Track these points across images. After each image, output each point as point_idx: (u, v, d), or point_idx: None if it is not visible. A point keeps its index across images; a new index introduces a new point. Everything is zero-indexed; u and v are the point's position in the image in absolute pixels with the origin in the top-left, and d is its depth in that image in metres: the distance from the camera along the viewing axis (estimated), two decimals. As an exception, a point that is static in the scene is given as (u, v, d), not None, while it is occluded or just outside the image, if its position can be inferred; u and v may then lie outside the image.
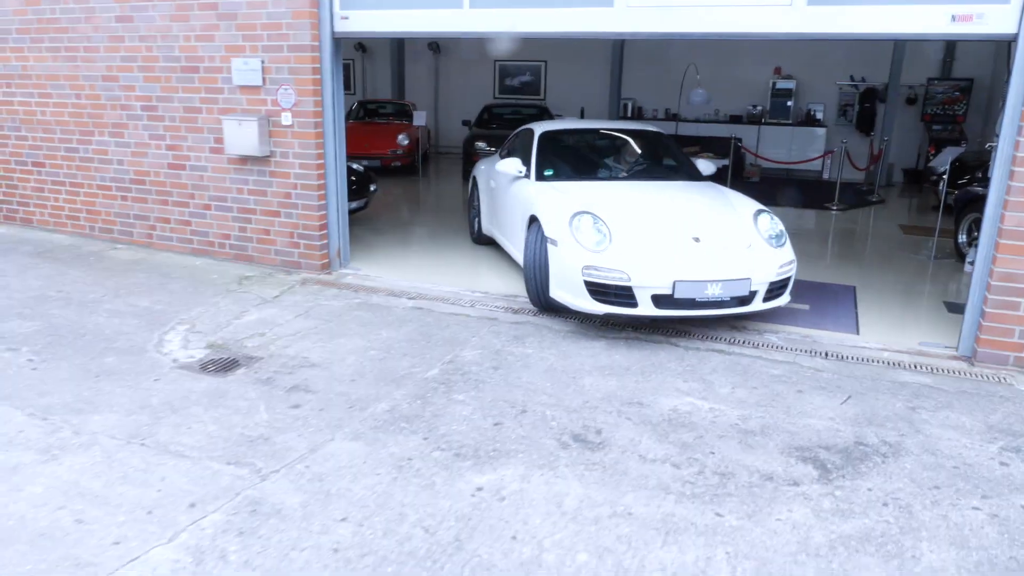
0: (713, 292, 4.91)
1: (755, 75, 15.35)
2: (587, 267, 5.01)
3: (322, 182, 6.63)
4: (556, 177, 6.38)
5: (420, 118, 14.06)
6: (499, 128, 13.61)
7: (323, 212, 6.70)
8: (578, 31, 5.74)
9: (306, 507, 3.13)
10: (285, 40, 6.44)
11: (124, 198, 7.62)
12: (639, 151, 6.95)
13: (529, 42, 16.30)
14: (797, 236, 6.45)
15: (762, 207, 5.64)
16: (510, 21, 5.88)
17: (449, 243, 8.17)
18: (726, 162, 12.06)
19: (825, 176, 14.10)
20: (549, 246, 5.33)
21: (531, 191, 6.08)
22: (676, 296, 4.90)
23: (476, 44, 17.00)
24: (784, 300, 5.32)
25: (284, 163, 6.66)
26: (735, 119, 15.56)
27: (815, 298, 6.16)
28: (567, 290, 5.20)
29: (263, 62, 6.55)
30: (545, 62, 17.23)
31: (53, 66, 7.65)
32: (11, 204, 8.44)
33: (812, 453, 3.65)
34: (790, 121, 15.16)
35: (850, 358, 4.92)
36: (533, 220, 5.67)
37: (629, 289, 4.93)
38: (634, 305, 4.96)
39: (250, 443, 3.68)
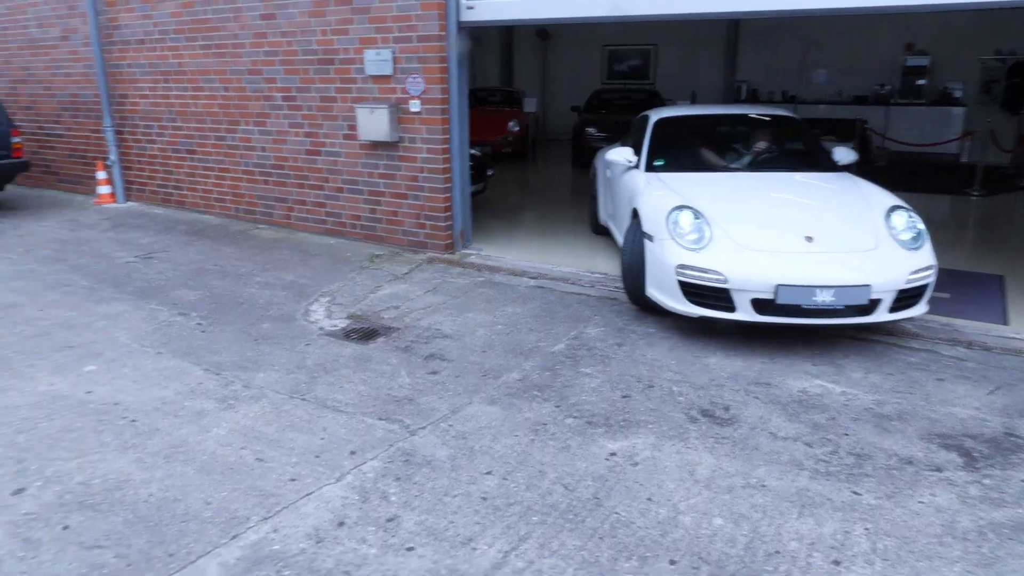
0: (823, 299, 4.43)
1: (882, 52, 14.65)
2: (681, 266, 4.71)
3: (447, 166, 6.95)
4: (667, 168, 5.96)
5: (530, 104, 14.29)
6: (608, 113, 13.66)
7: (448, 195, 7.03)
8: (708, 11, 5.77)
9: (453, 460, 3.41)
10: (414, 31, 6.78)
11: (266, 182, 8.23)
12: (765, 139, 6.29)
13: (639, 26, 16.21)
14: (931, 223, 6.14)
15: (899, 202, 5.04)
16: (634, 5, 5.98)
17: (565, 228, 8.36)
18: (850, 145, 11.66)
19: (964, 159, 13.30)
20: (646, 242, 5.08)
21: (638, 182, 5.80)
22: (779, 302, 4.46)
23: (585, 30, 17.06)
24: (919, 311, 4.70)
25: (412, 148, 7.02)
26: (859, 100, 14.92)
27: (955, 286, 5.93)
28: (661, 289, 4.93)
29: (393, 53, 6.92)
30: (655, 45, 17.07)
31: (205, 62, 8.33)
32: (167, 188, 9.26)
33: (956, 441, 3.62)
34: (923, 101, 14.37)
35: (997, 348, 4.74)
36: (636, 213, 5.45)
37: (726, 292, 4.57)
38: (731, 309, 4.60)
39: (396, 403, 4.01)
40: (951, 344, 4.82)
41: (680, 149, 6.27)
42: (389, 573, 2.64)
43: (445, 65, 6.76)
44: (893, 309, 4.58)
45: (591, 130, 12.67)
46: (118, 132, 9.48)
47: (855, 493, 3.16)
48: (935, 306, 5.20)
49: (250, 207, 8.46)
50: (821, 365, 4.50)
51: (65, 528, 2.90)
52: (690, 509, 3.03)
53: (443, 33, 6.68)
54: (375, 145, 7.22)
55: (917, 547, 2.81)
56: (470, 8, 6.65)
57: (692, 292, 4.72)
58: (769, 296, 4.49)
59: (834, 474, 3.31)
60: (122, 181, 9.65)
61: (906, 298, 4.62)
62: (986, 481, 3.27)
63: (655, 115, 6.67)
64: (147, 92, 9.04)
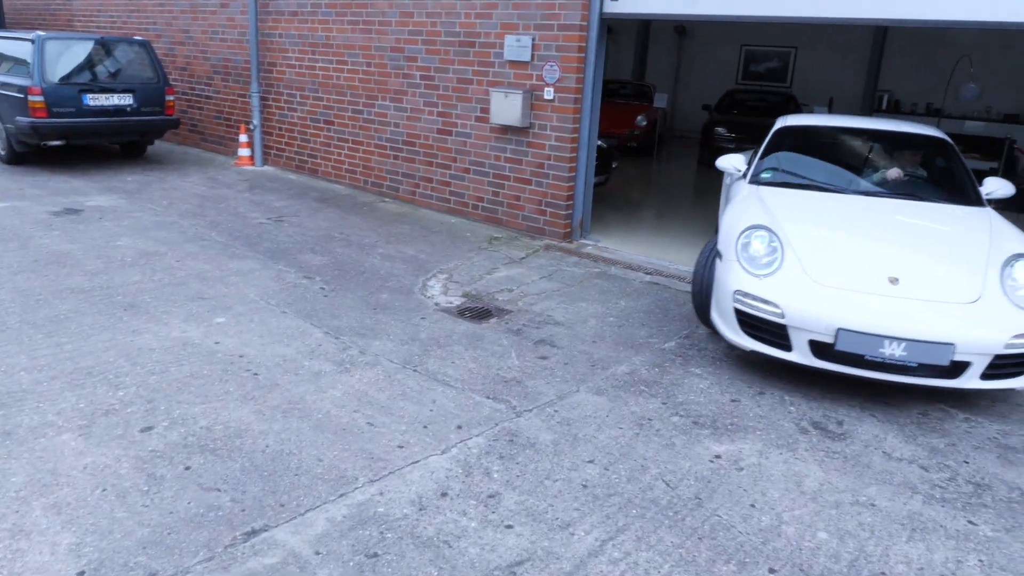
0: (892, 352, 3.78)
1: (1046, 71, 13.52)
2: (740, 292, 4.20)
3: (574, 155, 6.98)
4: (775, 181, 5.30)
5: (660, 100, 14.07)
6: (740, 114, 13.27)
7: (571, 184, 7.07)
8: (859, 16, 5.52)
9: (556, 445, 3.46)
10: (556, 19, 6.82)
11: (396, 157, 8.53)
12: (906, 163, 5.46)
13: (780, 27, 15.63)
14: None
15: None
16: (785, 5, 5.79)
17: (685, 227, 8.23)
18: (994, 164, 10.85)
19: None
20: (716, 260, 4.61)
21: (741, 193, 5.25)
22: (838, 348, 3.88)
23: (724, 28, 16.61)
24: (1020, 383, 3.90)
25: (541, 135, 7.09)
26: (1010, 118, 13.84)
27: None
28: (720, 315, 4.41)
29: (533, 39, 6.99)
30: (795, 48, 16.41)
31: (351, 37, 8.70)
32: (303, 155, 9.76)
33: (1088, 485, 3.37)
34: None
35: None
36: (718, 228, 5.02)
37: (783, 328, 4.04)
38: (788, 348, 4.05)
39: (505, 383, 4.10)
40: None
41: (798, 163, 5.54)
42: (487, 547, 2.73)
43: (583, 55, 6.78)
44: (986, 376, 3.80)
45: (721, 130, 12.37)
46: (263, 98, 10.05)
47: (971, 523, 3.00)
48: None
49: (378, 180, 8.80)
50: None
51: (187, 468, 3.14)
52: (794, 520, 2.96)
53: (584, 23, 6.69)
54: (505, 129, 7.34)
55: (1042, 598, 2.64)
56: (614, 0, 6.63)
57: (748, 323, 4.21)
58: (828, 340, 3.91)
59: (950, 501, 3.15)
60: (261, 145, 10.24)
61: (1007, 365, 3.83)
62: None
63: (782, 122, 6.06)
64: (293, 62, 9.53)
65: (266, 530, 2.75)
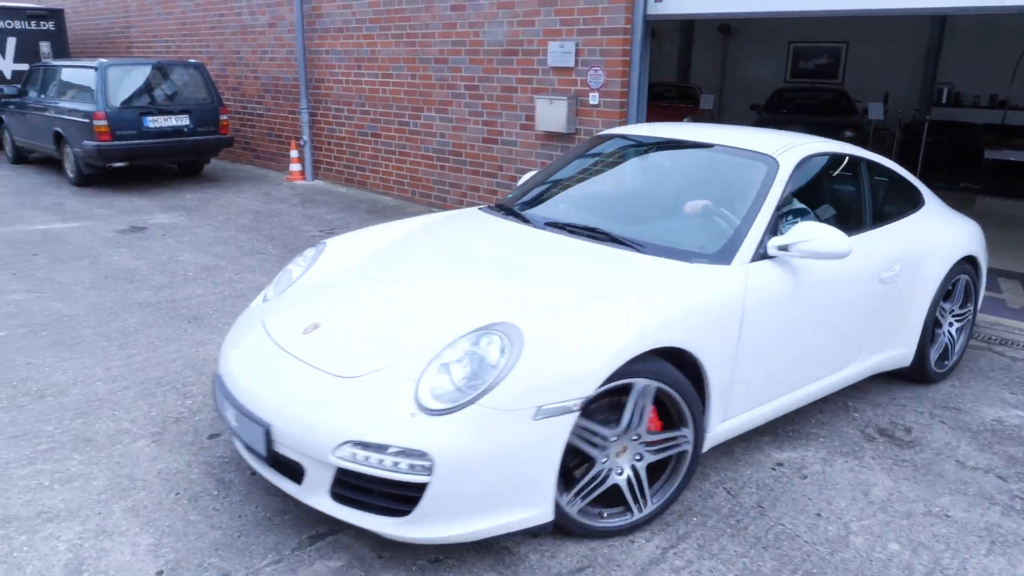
0: (230, 419, 2.81)
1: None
2: None
3: (621, 160, 6.94)
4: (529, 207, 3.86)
5: (707, 101, 13.90)
6: (790, 113, 13.02)
7: (618, 189, 7.01)
8: (916, 7, 5.36)
9: (613, 452, 3.42)
10: (599, 24, 6.80)
11: (442, 167, 8.60)
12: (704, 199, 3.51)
13: (830, 21, 15.29)
14: None
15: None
16: (841, 0, 5.66)
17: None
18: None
19: None
20: None
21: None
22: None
23: (770, 25, 16.33)
24: (373, 523, 2.48)
25: (587, 140, 7.07)
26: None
27: None
28: None
29: (577, 45, 6.98)
30: (847, 43, 16.04)
31: (395, 50, 8.82)
32: (351, 169, 9.92)
33: None
34: None
35: None
36: None
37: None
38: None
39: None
40: None
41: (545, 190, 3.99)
42: (547, 553, 2.71)
43: (627, 59, 6.74)
44: (339, 496, 2.51)
45: (769, 130, 12.17)
46: (312, 114, 10.26)
47: (1059, 540, 2.85)
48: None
49: (426, 191, 8.88)
50: (1021, 395, 4.08)
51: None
52: (863, 530, 2.87)
53: (628, 27, 6.65)
54: (551, 136, 7.34)
55: None
56: (658, 1, 6.58)
57: None
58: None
59: (1033, 516, 3.00)
60: (311, 160, 10.44)
61: (358, 488, 2.49)
62: None
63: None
64: (340, 77, 9.70)
65: (331, 534, 2.78)
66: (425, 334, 2.68)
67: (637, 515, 2.81)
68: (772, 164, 3.40)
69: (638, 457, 2.77)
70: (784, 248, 3.11)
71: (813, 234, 3.04)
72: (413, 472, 2.37)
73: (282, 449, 2.58)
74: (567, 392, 2.46)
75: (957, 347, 4.36)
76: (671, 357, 2.79)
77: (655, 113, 13.75)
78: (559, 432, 2.47)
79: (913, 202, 4.18)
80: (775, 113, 13.26)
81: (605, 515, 2.78)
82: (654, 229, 3.36)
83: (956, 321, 4.36)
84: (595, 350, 2.50)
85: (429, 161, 8.75)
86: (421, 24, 8.43)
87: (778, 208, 3.26)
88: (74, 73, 9.63)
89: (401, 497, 2.44)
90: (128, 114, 9.05)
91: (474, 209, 4.00)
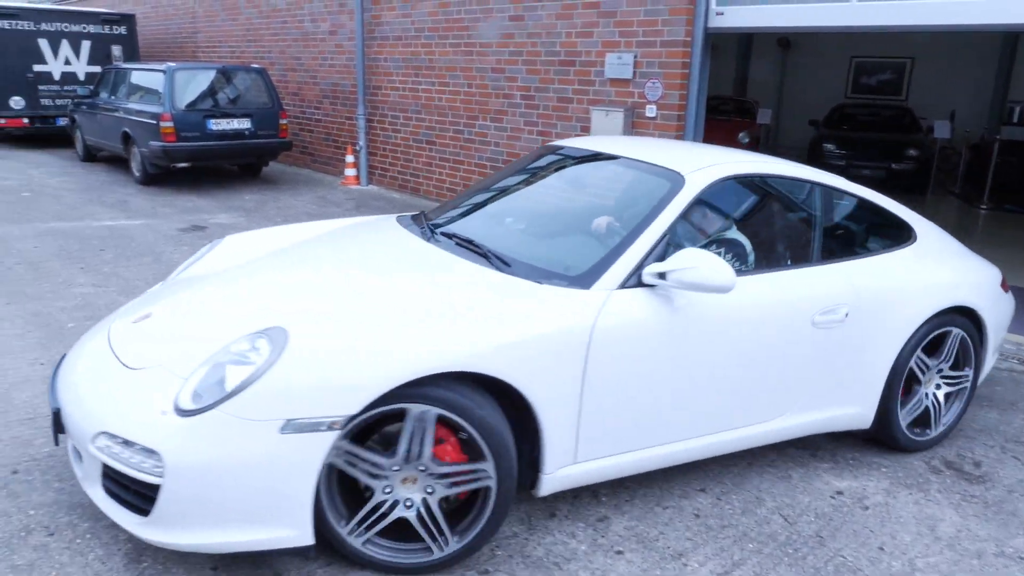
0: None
1: None
2: None
3: (677, 173, 6.85)
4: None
5: (764, 116, 13.67)
6: (851, 130, 12.71)
7: (674, 202, 6.92)
8: (989, 23, 5.17)
9: (665, 472, 3.35)
10: (659, 36, 6.74)
11: (495, 176, 8.62)
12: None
13: (894, 37, 14.91)
14: None
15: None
16: (904, 13, 5.50)
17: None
18: None
19: None
20: None
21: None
22: None
23: (832, 39, 16.00)
24: (124, 520, 2.42)
25: (643, 153, 7.00)
26: None
27: None
28: None
29: (635, 57, 6.93)
30: (911, 59, 15.62)
31: (453, 59, 8.88)
32: (405, 175, 10.01)
33: None
34: None
35: None
36: None
37: None
38: None
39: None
40: None
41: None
42: (598, 572, 2.66)
43: (686, 71, 6.66)
44: (110, 492, 2.47)
45: (830, 147, 11.88)
46: (368, 120, 10.40)
47: None
48: None
49: (478, 198, 8.90)
50: (1102, 434, 3.88)
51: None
52: (929, 568, 2.74)
53: (688, 39, 6.58)
54: (605, 147, 7.29)
55: None
56: (719, 14, 6.49)
57: None
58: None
59: (1116, 563, 2.84)
60: (367, 165, 10.57)
61: (127, 487, 2.42)
62: None
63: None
64: (398, 84, 9.81)
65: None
66: (219, 333, 2.57)
67: (438, 554, 2.54)
68: (677, 182, 3.06)
69: (429, 490, 2.50)
70: (662, 276, 2.73)
71: (693, 262, 2.64)
72: (149, 472, 2.28)
73: (68, 433, 2.57)
74: (323, 408, 2.24)
75: (945, 416, 3.66)
76: (495, 388, 2.53)
77: (709, 127, 13.54)
78: (313, 451, 2.26)
79: (894, 238, 3.60)
80: (835, 129, 12.96)
81: (402, 550, 2.54)
82: (538, 246, 3.17)
83: (945, 384, 3.66)
84: (365, 366, 2.28)
85: (483, 169, 8.78)
86: (479, 34, 8.47)
87: (668, 232, 2.88)
88: (143, 76, 9.94)
89: (146, 496, 2.34)
90: (193, 116, 9.30)
91: (392, 218, 3.83)
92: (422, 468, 2.47)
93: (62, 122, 13.11)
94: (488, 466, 2.50)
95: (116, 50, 13.69)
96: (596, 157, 3.57)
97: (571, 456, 2.73)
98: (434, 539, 2.53)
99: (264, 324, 2.50)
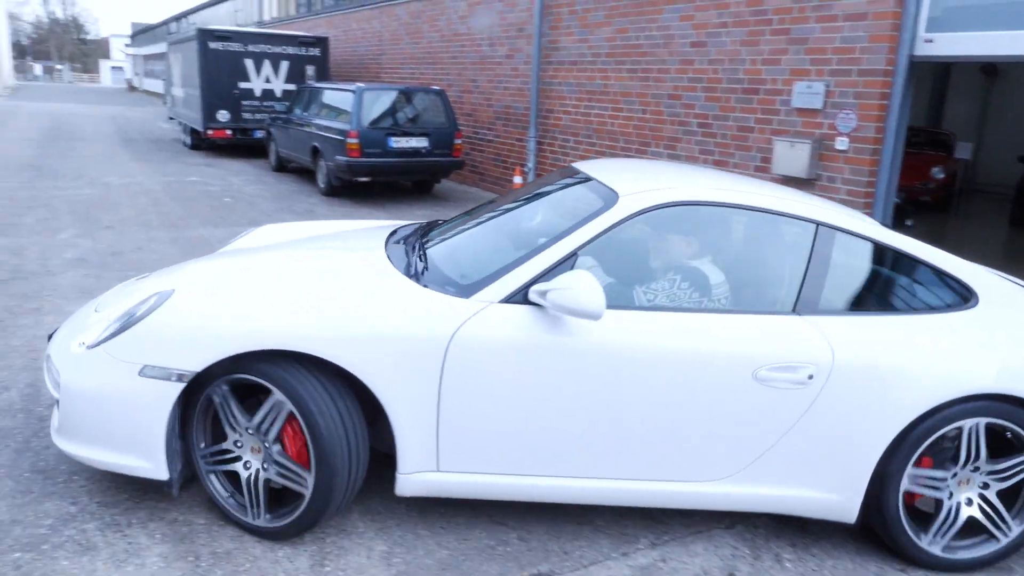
0: None
1: None
2: None
3: (868, 212, 6.37)
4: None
5: (963, 150, 12.51)
6: (1068, 169, 11.35)
7: (861, 242, 6.44)
8: None
9: (858, 541, 3.06)
10: (855, 64, 6.32)
11: (664, 204, 8.43)
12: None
13: None
14: None
15: None
16: None
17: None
18: None
19: None
20: None
21: None
22: None
23: (1048, 68, 14.42)
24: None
25: (829, 187, 6.57)
26: None
27: None
28: None
29: (827, 86, 6.54)
30: None
31: (628, 84, 8.82)
32: (571, 198, 10.04)
33: None
34: None
35: None
36: None
37: None
38: None
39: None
40: None
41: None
42: None
43: (885, 103, 6.20)
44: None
45: (1040, 186, 10.68)
46: (538, 143, 10.54)
47: None
48: None
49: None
50: None
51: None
52: None
53: (890, 68, 6.12)
54: (788, 180, 6.92)
55: None
56: (928, 41, 5.99)
57: None
58: None
59: None
60: (534, 187, 10.69)
61: None
62: None
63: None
64: (570, 109, 9.88)
65: (552, 575, 2.73)
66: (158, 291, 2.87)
67: (250, 520, 2.77)
68: (609, 203, 2.86)
69: (266, 467, 2.73)
70: (544, 295, 2.57)
71: (570, 284, 2.49)
72: (56, 389, 2.77)
73: None
74: (174, 361, 2.55)
75: (1008, 537, 2.84)
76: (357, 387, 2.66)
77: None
78: (163, 396, 2.57)
79: (939, 298, 2.91)
80: (1049, 168, 11.62)
81: (234, 500, 2.83)
82: (473, 258, 3.04)
83: (995, 480, 2.83)
84: (213, 331, 2.55)
85: (651, 197, 8.62)
86: (658, 60, 8.36)
87: (576, 252, 2.71)
88: (334, 95, 10.66)
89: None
90: (376, 134, 9.84)
91: (399, 224, 3.99)
92: (265, 445, 2.71)
93: (259, 134, 14.34)
94: (309, 477, 2.63)
95: (310, 70, 14.82)
96: (585, 180, 3.32)
97: (432, 462, 2.71)
98: (245, 511, 2.79)
99: (171, 286, 2.84)
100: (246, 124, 14.36)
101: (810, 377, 2.66)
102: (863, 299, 2.91)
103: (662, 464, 2.77)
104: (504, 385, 2.62)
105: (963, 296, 2.92)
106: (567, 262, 2.70)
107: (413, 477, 2.72)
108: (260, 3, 25.59)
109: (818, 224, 2.91)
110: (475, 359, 2.59)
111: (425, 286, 2.76)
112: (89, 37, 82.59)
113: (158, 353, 2.58)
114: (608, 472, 2.78)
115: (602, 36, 9.18)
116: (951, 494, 2.82)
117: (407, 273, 2.89)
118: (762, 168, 7.18)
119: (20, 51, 73.63)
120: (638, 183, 2.97)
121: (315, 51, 14.84)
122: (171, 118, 19.10)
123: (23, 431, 3.43)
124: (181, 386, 2.57)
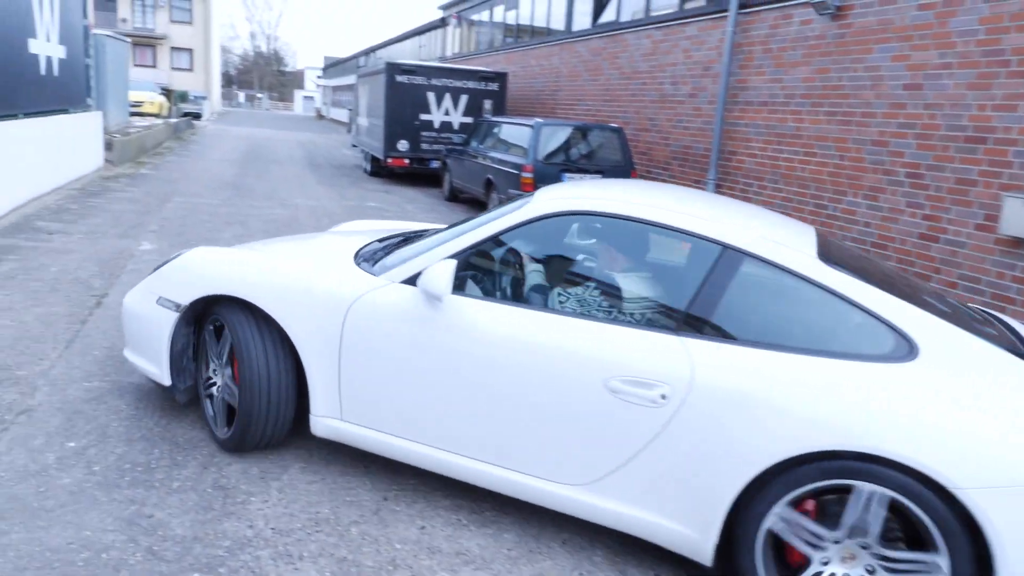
0: None
1: None
2: None
3: (1123, 285, 5.41)
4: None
5: None
6: None
7: (1112, 321, 5.47)
8: None
9: None
10: (1117, 114, 5.43)
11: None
12: None
13: None
14: None
15: None
16: None
17: None
18: None
19: None
20: None
21: None
22: None
23: None
24: None
25: (1073, 254, 5.67)
26: None
27: None
28: None
29: (1076, 137, 5.66)
30: None
31: (824, 128, 8.19)
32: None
33: None
34: None
35: None
36: None
37: None
38: None
39: None
40: None
41: None
42: None
43: None
44: None
45: None
46: (717, 185, 10.05)
47: None
48: None
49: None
50: None
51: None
52: None
53: None
54: (1018, 242, 6.06)
55: None
56: None
57: None
58: None
59: None
60: (708, 231, 10.19)
61: None
62: None
63: None
64: (756, 152, 9.34)
65: None
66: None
67: (217, 433, 3.48)
68: (525, 202, 3.18)
69: (222, 388, 3.44)
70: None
71: (433, 271, 2.86)
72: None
73: None
74: (175, 295, 3.43)
75: None
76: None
77: None
78: (165, 320, 3.47)
79: (874, 349, 2.49)
80: None
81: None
82: (414, 252, 3.28)
83: (884, 570, 2.35)
84: (202, 277, 3.35)
85: (844, 250, 7.90)
86: (861, 103, 7.69)
87: (475, 246, 3.04)
88: (511, 129, 10.77)
89: None
90: (550, 169, 9.79)
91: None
92: (222, 368, 3.41)
93: (435, 164, 14.83)
94: (239, 394, 3.26)
95: (487, 104, 15.19)
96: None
97: (337, 411, 3.16)
98: (216, 425, 3.49)
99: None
100: (423, 154, 14.90)
101: (663, 397, 2.57)
102: (765, 332, 2.61)
103: (521, 455, 2.85)
104: (389, 350, 2.99)
105: (900, 348, 2.50)
106: (466, 253, 3.04)
107: (322, 420, 3.20)
108: (444, 39, 26.84)
109: (725, 247, 2.77)
110: (368, 324, 3.03)
111: (357, 266, 3.28)
112: (287, 69, 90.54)
113: (166, 289, 3.49)
114: (478, 453, 2.93)
115: (798, 76, 8.62)
116: (827, 561, 2.40)
117: (354, 257, 3.41)
118: (985, 227, 6.34)
119: (227, 80, 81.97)
120: (564, 191, 3.16)
121: (494, 86, 15.20)
122: (354, 145, 20.29)
123: (209, 445, 3.50)
124: (177, 315, 3.42)
